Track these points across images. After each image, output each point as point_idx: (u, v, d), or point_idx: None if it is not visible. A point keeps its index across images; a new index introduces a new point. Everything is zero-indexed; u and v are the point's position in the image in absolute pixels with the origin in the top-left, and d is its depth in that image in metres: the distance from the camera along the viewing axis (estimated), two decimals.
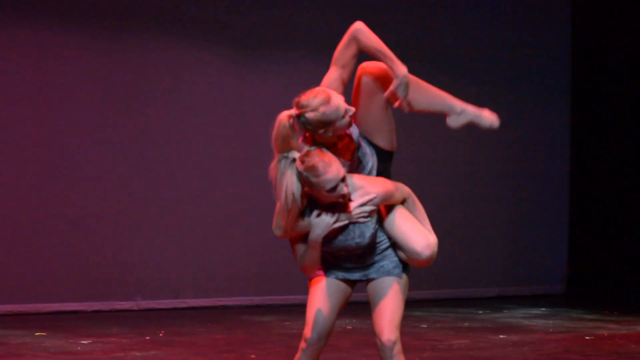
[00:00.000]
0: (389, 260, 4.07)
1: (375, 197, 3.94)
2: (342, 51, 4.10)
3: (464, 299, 9.62)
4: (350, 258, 4.04)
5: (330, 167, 3.82)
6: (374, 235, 3.99)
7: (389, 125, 4.16)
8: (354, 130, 4.06)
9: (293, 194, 3.89)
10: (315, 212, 3.94)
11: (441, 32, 9.72)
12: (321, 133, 3.92)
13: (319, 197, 3.89)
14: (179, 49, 8.54)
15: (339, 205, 3.93)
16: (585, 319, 8.24)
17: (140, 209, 8.36)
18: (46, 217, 8.03)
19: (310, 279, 4.15)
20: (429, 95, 4.29)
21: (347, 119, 3.91)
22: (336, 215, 3.93)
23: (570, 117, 10.48)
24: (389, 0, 9.43)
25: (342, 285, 4.10)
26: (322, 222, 3.94)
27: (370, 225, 3.97)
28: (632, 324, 7.93)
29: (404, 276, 4.06)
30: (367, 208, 3.94)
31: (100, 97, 8.25)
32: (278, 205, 3.93)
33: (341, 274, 4.09)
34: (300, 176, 3.85)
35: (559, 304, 9.43)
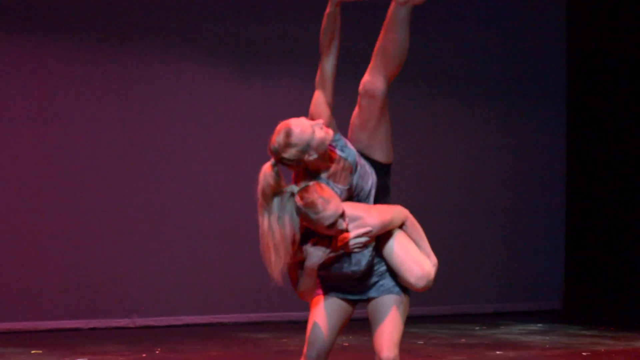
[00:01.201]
0: (389, 279, 4.07)
1: (371, 229, 3.95)
2: (319, 74, 4.16)
3: (461, 315, 9.61)
4: (348, 281, 4.05)
5: (330, 203, 3.83)
6: (370, 263, 4.00)
7: (386, 138, 4.17)
8: (350, 152, 4.06)
9: (292, 228, 3.91)
10: (311, 242, 3.96)
11: (436, 42, 9.73)
12: (307, 160, 3.92)
13: (317, 230, 3.91)
14: (177, 64, 8.54)
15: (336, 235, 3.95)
16: (582, 335, 8.24)
17: (137, 226, 8.35)
18: (42, 235, 8.02)
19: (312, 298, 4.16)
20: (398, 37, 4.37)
21: (319, 134, 3.91)
22: (332, 244, 3.94)
23: (566, 133, 10.48)
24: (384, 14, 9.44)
25: (343, 304, 4.10)
26: (317, 251, 3.95)
27: (367, 254, 3.99)
28: (629, 340, 7.93)
29: (404, 295, 4.07)
30: (363, 239, 3.95)
31: (95, 112, 8.24)
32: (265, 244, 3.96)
33: (341, 294, 4.10)
34: (300, 211, 3.87)
35: (556, 320, 9.42)
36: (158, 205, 8.44)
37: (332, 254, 3.94)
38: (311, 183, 3.94)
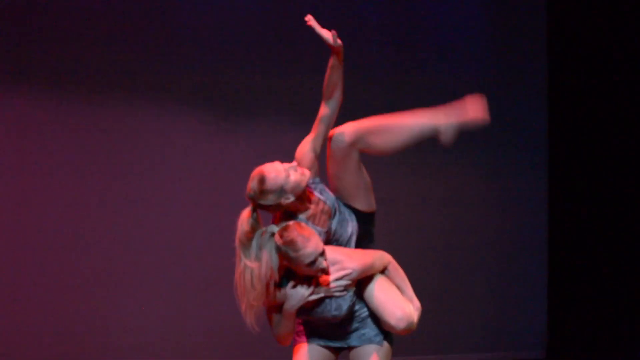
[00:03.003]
0: (370, 327, 4.08)
1: (351, 272, 3.96)
2: (318, 116, 4.20)
3: None
4: (329, 326, 4.05)
5: (309, 241, 3.86)
6: (351, 308, 4.01)
7: (365, 187, 4.21)
8: (329, 196, 4.10)
9: (271, 268, 3.93)
10: (290, 283, 3.97)
11: (417, 97, 9.78)
12: (284, 203, 3.96)
13: (297, 270, 3.92)
14: (159, 114, 8.58)
15: (316, 277, 3.95)
16: None
17: (118, 270, 8.35)
18: (22, 284, 8.00)
19: (294, 345, 4.16)
20: (403, 132, 4.37)
21: (293, 177, 3.96)
22: (312, 287, 3.95)
23: (547, 183, 10.52)
24: (368, 64, 9.52)
25: (326, 352, 4.10)
26: (297, 294, 3.97)
27: (348, 298, 4.00)
28: None
29: (385, 344, 4.07)
30: (344, 282, 3.96)
31: (76, 162, 8.26)
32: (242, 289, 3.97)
33: (322, 341, 4.09)
34: (279, 250, 3.89)
35: None
36: (140, 252, 8.44)
37: (312, 297, 3.95)
38: (291, 222, 3.97)
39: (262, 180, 3.94)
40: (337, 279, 3.93)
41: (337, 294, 3.92)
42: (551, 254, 10.52)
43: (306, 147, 4.08)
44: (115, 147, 8.40)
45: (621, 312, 10.20)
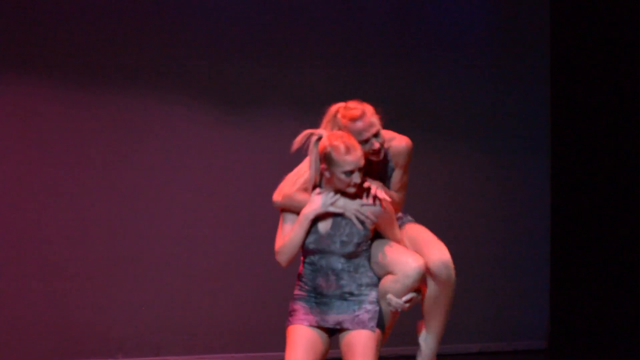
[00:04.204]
0: (365, 309, 4.05)
1: (380, 206, 4.00)
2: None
3: (445, 355, 9.58)
4: (328, 278, 4.01)
5: (355, 151, 3.95)
6: (359, 246, 4.00)
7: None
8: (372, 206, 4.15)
9: (311, 169, 3.98)
10: (317, 190, 4.01)
11: (420, 88, 9.79)
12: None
13: (332, 180, 3.94)
14: (164, 105, 8.57)
15: (345, 196, 3.98)
16: None
17: (121, 266, 8.34)
18: (24, 275, 8.00)
19: (287, 326, 4.12)
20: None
21: (372, 147, 4.06)
22: (336, 199, 3.98)
23: (550, 172, 10.52)
24: (371, 58, 9.51)
25: (320, 333, 4.05)
26: (316, 201, 3.98)
27: (361, 233, 4.01)
28: None
29: (378, 331, 4.06)
30: (369, 209, 3.99)
31: (80, 153, 8.26)
32: (280, 221, 4.04)
33: (317, 318, 4.03)
34: (324, 152, 3.94)
35: None
36: (143, 245, 8.44)
37: (331, 208, 3.96)
38: (340, 131, 4.06)
39: (363, 113, 4.04)
40: (374, 196, 3.98)
41: (356, 217, 3.94)
42: (553, 245, 10.51)
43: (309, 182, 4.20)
44: (119, 138, 8.39)
45: (623, 303, 10.21)
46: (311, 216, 3.95)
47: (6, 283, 7.94)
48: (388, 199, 4.03)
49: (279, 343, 8.80)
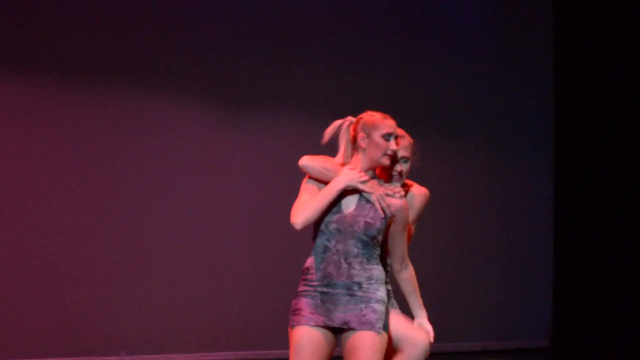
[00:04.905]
0: (372, 309, 4.00)
1: (400, 199, 4.05)
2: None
3: (449, 354, 9.60)
4: (340, 266, 3.97)
5: (391, 119, 3.99)
6: (379, 232, 4.00)
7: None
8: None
9: (343, 147, 4.02)
10: (348, 166, 4.03)
11: (422, 88, 9.79)
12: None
13: (370, 150, 3.97)
14: (166, 105, 8.56)
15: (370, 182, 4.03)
16: None
17: (124, 264, 8.34)
18: (27, 273, 8.00)
19: (291, 326, 4.04)
20: None
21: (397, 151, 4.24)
22: (367, 178, 4.02)
23: (553, 169, 10.52)
24: (374, 58, 9.50)
25: (325, 333, 3.99)
26: (350, 174, 4.00)
27: (382, 221, 4.01)
28: None
29: (384, 333, 4.00)
30: (392, 199, 4.04)
31: (85, 151, 8.25)
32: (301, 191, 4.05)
33: (322, 317, 3.97)
34: (361, 123, 4.01)
35: (544, 358, 9.40)
36: (145, 243, 8.43)
37: (360, 185, 3.98)
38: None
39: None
40: (387, 195, 4.02)
41: (379, 201, 3.98)
42: (556, 245, 10.51)
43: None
44: (121, 138, 8.38)
45: (625, 302, 10.20)
46: (342, 186, 3.95)
47: (11, 281, 7.94)
48: (392, 207, 4.05)
49: (281, 341, 8.80)
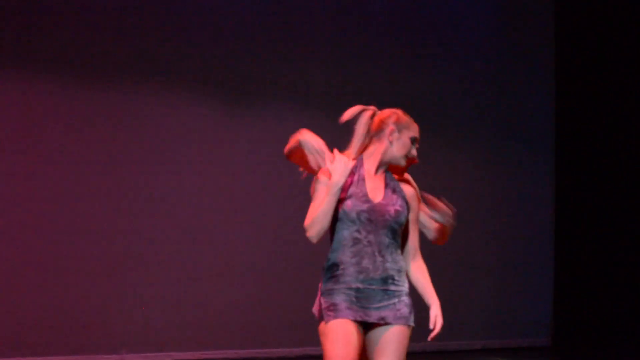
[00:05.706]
0: (404, 302, 4.04)
1: (414, 192, 4.11)
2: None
3: (449, 352, 9.60)
4: (375, 259, 3.95)
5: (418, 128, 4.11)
6: (406, 219, 4.04)
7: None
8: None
9: (360, 136, 4.05)
10: (330, 161, 4.00)
11: (423, 88, 9.79)
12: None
13: (397, 144, 3.97)
14: (165, 100, 8.56)
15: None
16: None
17: (125, 262, 8.35)
18: (29, 270, 8.01)
19: (326, 320, 3.98)
20: None
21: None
22: (350, 163, 4.01)
23: (554, 169, 10.53)
24: (374, 57, 9.51)
25: (361, 332, 3.96)
26: (339, 166, 3.98)
27: (407, 208, 4.07)
28: None
29: (413, 326, 4.08)
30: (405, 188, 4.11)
31: (85, 149, 8.26)
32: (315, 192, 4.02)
33: (360, 312, 3.94)
34: (393, 119, 4.02)
35: (545, 357, 9.41)
36: (146, 241, 8.44)
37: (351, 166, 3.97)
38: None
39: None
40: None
41: (401, 184, 4.08)
42: (557, 243, 10.53)
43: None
44: (122, 135, 8.39)
45: (626, 300, 10.22)
46: (340, 184, 3.92)
47: (12, 279, 7.95)
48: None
49: (282, 339, 8.81)
